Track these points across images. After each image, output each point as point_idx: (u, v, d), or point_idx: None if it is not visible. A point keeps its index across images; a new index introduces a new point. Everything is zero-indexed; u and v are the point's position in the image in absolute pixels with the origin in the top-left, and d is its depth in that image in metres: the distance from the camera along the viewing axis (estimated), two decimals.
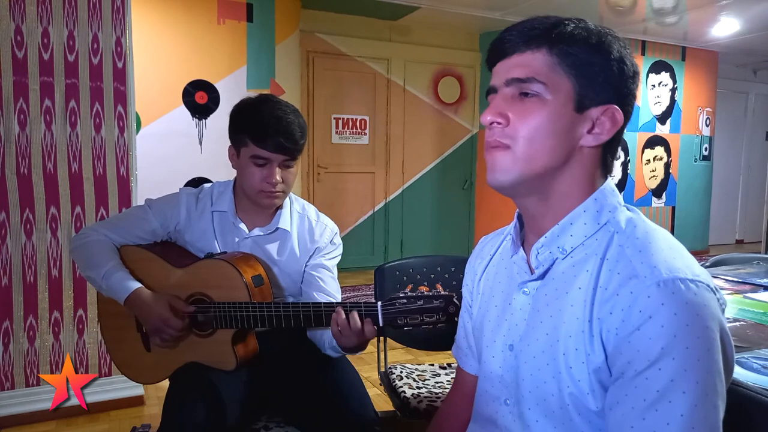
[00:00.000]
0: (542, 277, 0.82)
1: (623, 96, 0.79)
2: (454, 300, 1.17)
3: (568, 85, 0.77)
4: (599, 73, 0.77)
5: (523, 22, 0.80)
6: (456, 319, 1.15)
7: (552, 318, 0.78)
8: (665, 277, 0.68)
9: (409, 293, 1.20)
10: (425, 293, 1.19)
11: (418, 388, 1.69)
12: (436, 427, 1.06)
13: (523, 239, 0.88)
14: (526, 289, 0.83)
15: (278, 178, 1.40)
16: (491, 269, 0.95)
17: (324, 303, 1.28)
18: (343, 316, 1.23)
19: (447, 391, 1.67)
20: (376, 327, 1.23)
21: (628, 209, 0.81)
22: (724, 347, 0.67)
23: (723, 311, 0.70)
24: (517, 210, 0.88)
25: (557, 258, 0.80)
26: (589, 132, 0.78)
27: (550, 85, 0.76)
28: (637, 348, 0.67)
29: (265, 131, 1.37)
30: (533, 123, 0.76)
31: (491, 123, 0.79)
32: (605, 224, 0.78)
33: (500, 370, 0.86)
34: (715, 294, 0.70)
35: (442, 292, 1.18)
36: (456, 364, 1.07)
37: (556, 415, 0.77)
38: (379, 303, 1.21)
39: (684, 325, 0.65)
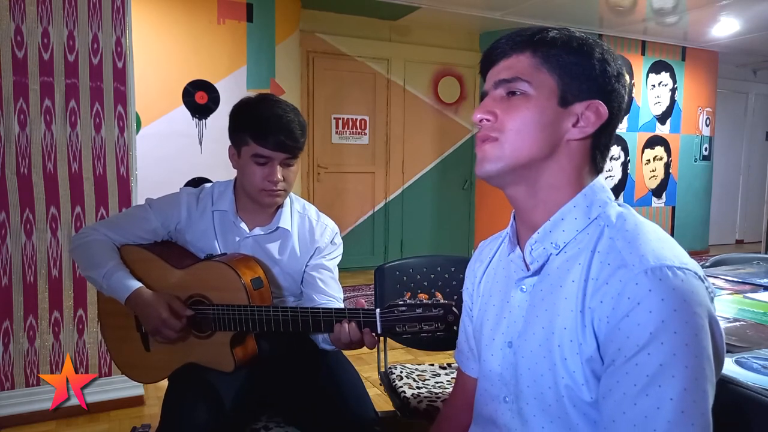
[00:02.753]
0: (538, 272, 0.84)
1: (607, 93, 0.82)
2: (453, 308, 1.17)
3: (551, 82, 0.81)
4: (582, 72, 0.81)
5: (511, 33, 0.86)
6: (455, 327, 1.15)
7: (547, 312, 0.80)
8: (653, 265, 0.69)
9: (408, 300, 1.19)
10: (424, 301, 1.18)
11: (418, 388, 1.69)
12: (438, 430, 1.07)
13: (519, 238, 0.89)
14: (523, 286, 0.85)
15: (279, 176, 1.40)
16: (490, 271, 0.97)
17: (323, 309, 1.28)
18: (347, 329, 1.23)
19: (447, 391, 1.67)
20: (375, 334, 1.23)
21: (618, 205, 0.83)
22: (713, 334, 0.69)
23: (712, 300, 0.72)
24: (513, 210, 0.89)
25: (551, 253, 0.82)
26: (574, 125, 0.81)
27: (534, 83, 0.81)
28: (627, 334, 0.69)
29: (266, 129, 1.37)
30: (519, 116, 0.81)
31: (480, 120, 0.84)
32: (596, 218, 0.80)
33: (499, 368, 0.87)
34: (704, 282, 0.71)
35: (442, 301, 1.18)
36: (456, 364, 1.07)
37: (552, 408, 0.78)
38: (378, 310, 1.21)
39: (672, 311, 0.66)
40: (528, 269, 0.85)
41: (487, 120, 0.83)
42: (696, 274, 0.70)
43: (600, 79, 0.81)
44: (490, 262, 0.98)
